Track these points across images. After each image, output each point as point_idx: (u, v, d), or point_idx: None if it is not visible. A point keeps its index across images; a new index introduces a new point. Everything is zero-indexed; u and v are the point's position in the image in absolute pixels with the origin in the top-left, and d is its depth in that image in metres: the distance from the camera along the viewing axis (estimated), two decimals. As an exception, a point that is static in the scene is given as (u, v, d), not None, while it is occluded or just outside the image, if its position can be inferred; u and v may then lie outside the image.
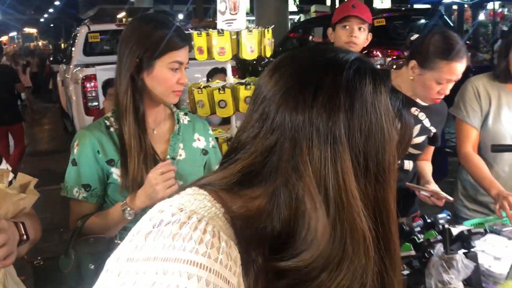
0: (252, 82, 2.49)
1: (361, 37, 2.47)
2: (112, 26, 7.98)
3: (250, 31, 2.42)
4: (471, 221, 2.14)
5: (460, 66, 1.90)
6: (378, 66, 3.22)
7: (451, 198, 2.01)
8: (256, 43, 2.45)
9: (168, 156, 1.64)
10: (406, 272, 1.61)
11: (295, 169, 0.67)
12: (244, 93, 2.43)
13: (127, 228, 1.53)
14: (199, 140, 1.74)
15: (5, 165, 1.35)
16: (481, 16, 18.03)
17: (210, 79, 3.58)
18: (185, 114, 1.78)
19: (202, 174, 1.60)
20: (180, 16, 21.10)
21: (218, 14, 2.49)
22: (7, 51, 19.65)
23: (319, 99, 0.67)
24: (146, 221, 0.65)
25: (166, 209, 0.65)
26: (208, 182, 0.73)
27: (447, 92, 1.97)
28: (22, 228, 1.15)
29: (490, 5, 17.71)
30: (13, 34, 30.99)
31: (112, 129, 1.62)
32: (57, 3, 34.16)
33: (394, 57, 6.58)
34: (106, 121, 1.65)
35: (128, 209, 1.51)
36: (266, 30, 2.51)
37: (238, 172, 0.71)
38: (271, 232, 0.67)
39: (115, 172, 1.58)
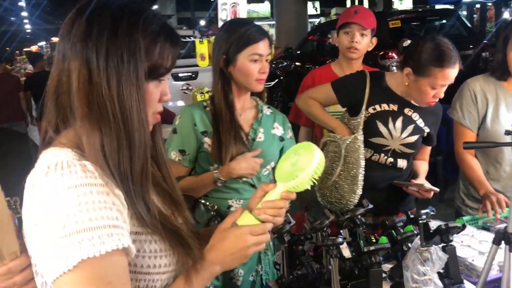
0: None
1: (362, 43, 2.56)
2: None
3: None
4: (466, 218, 2.20)
5: (453, 72, 1.96)
6: (394, 68, 3.24)
7: (437, 189, 2.09)
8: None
9: (250, 136, 1.94)
10: (386, 265, 1.69)
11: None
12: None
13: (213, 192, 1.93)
14: (277, 128, 2.02)
15: None
16: (506, 15, 17.66)
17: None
18: (268, 107, 2.06)
19: (276, 155, 1.97)
20: (202, 23, 21.34)
21: (220, 21, 2.60)
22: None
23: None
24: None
25: None
26: None
27: (442, 95, 2.03)
28: None
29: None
30: (42, 43, 31.82)
31: (208, 109, 1.94)
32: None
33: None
34: (204, 103, 1.99)
35: (219, 176, 1.83)
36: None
37: None
38: None
39: (207, 142, 1.90)
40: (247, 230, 1.05)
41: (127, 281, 0.92)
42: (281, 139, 2.02)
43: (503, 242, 1.40)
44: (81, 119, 0.93)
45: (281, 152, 2.00)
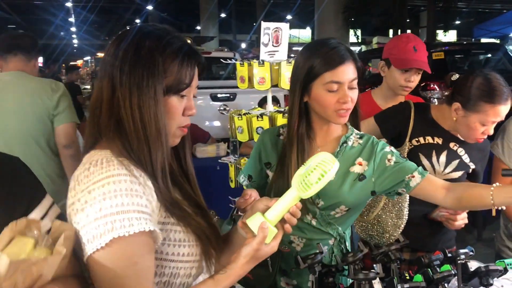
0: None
1: (416, 81, 2.46)
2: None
3: (290, 62, 2.53)
4: (508, 260, 2.09)
5: (505, 108, 1.90)
6: (435, 100, 3.18)
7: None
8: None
9: None
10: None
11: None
12: (282, 121, 2.52)
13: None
14: (360, 164, 1.68)
15: (46, 205, 1.04)
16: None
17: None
18: (361, 137, 1.74)
19: (350, 197, 1.66)
20: (243, 45, 21.65)
21: (262, 46, 2.62)
22: (81, 73, 21.04)
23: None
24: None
25: None
26: None
27: (491, 132, 1.96)
28: None
29: None
30: (87, 58, 32.93)
31: (281, 138, 1.77)
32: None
33: (452, 91, 6.44)
34: (281, 129, 1.81)
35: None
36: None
37: None
38: None
39: (270, 175, 1.76)
40: (275, 242, 1.16)
41: (151, 264, 1.04)
42: (361, 177, 1.67)
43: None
44: (105, 127, 1.09)
45: (366, 192, 1.69)
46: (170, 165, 1.14)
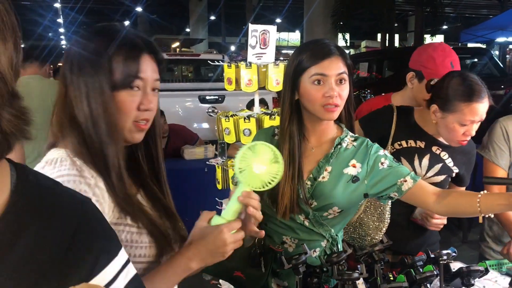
0: (277, 112, 2.59)
1: None
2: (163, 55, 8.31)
3: (277, 65, 2.54)
4: (489, 262, 2.12)
5: (481, 107, 1.89)
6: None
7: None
8: (282, 76, 2.56)
9: (311, 176, 1.69)
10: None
11: None
12: (269, 122, 2.53)
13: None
14: (353, 166, 1.69)
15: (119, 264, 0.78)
16: (539, 56, 17.45)
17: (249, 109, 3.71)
18: (355, 139, 1.74)
19: (344, 199, 1.66)
20: (232, 48, 21.66)
21: (249, 48, 2.62)
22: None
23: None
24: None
25: None
26: None
27: (473, 133, 1.96)
28: None
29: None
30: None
31: (276, 138, 1.76)
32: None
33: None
34: (276, 130, 1.79)
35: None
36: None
37: None
38: None
39: None
40: (226, 228, 1.12)
41: None
42: (355, 179, 1.68)
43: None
44: (61, 126, 1.11)
45: (359, 194, 1.70)
46: (137, 163, 1.16)
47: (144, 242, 1.12)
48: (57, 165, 1.04)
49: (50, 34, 31.18)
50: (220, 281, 2.23)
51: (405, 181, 1.63)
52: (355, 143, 1.72)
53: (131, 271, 0.77)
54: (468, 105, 1.88)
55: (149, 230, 1.12)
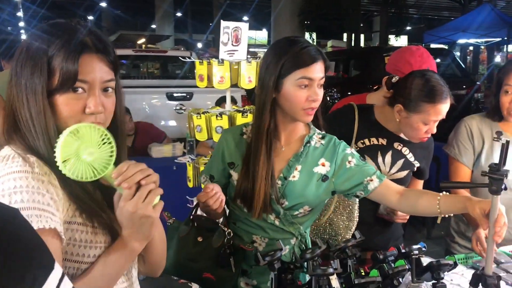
0: (250, 110, 2.59)
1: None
2: (130, 52, 8.20)
3: (249, 62, 2.53)
4: (458, 256, 2.18)
5: (445, 107, 1.95)
6: None
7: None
8: (254, 74, 2.56)
9: (281, 175, 1.69)
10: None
11: None
12: (241, 120, 2.53)
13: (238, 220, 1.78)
14: (323, 165, 1.71)
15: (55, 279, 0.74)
16: (497, 58, 18.04)
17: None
18: (323, 137, 1.77)
19: (315, 197, 1.70)
20: (199, 45, 21.52)
21: (221, 45, 2.61)
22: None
23: None
24: None
25: None
26: None
27: (434, 130, 2.01)
28: None
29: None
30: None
31: (245, 137, 1.75)
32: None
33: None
34: (244, 128, 1.79)
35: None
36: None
37: None
38: None
39: (233, 175, 1.72)
40: (122, 202, 1.06)
41: (59, 261, 0.97)
42: (324, 178, 1.71)
43: (480, 284, 1.39)
44: (7, 124, 1.09)
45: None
46: None
47: (99, 242, 1.08)
48: (9, 161, 1.01)
49: (9, 28, 30.26)
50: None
51: (371, 180, 1.68)
52: (323, 141, 1.75)
53: (67, 285, 0.72)
54: (433, 106, 1.93)
55: (105, 230, 1.09)
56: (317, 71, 1.60)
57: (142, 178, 1.05)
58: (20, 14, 28.10)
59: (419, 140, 2.06)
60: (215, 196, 1.57)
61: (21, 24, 30.55)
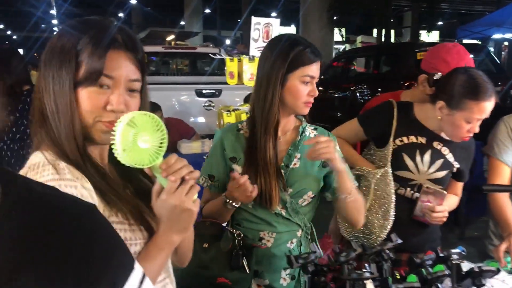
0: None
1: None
2: (159, 48, 8.26)
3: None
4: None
5: (489, 105, 1.89)
6: None
7: (442, 191, 2.04)
8: (285, 70, 2.51)
9: (283, 164, 1.78)
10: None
11: None
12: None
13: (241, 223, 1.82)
14: None
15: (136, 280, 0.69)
16: (534, 53, 17.51)
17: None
18: (315, 128, 1.89)
19: (316, 184, 1.80)
20: (227, 42, 21.57)
21: (251, 41, 2.58)
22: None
23: None
24: None
25: None
26: None
27: (477, 130, 1.95)
28: None
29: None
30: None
31: (242, 132, 1.83)
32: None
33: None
34: (239, 125, 1.87)
35: (228, 200, 1.69)
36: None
37: None
38: None
39: (237, 168, 1.77)
40: (165, 195, 1.06)
41: None
42: (325, 165, 1.81)
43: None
44: (36, 121, 1.08)
45: (327, 179, 1.83)
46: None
47: (138, 239, 1.07)
48: (40, 170, 1.01)
49: (43, 25, 30.95)
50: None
51: None
52: (316, 132, 1.87)
53: (149, 286, 0.67)
54: (477, 103, 1.87)
55: (141, 226, 1.08)
56: (317, 69, 1.75)
57: (187, 173, 1.06)
58: (53, 12, 28.72)
59: (461, 139, 2.00)
60: (244, 185, 1.61)
61: (54, 21, 31.22)
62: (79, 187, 0.99)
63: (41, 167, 1.01)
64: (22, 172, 1.03)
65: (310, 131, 1.86)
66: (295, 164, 1.79)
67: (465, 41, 12.44)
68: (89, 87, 1.05)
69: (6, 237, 0.53)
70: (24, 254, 0.54)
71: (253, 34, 2.57)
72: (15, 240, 0.54)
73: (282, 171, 1.77)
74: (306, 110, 1.77)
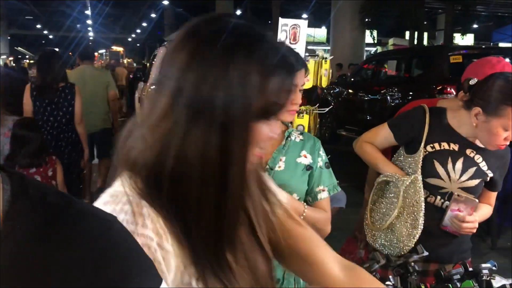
0: (306, 111, 2.50)
1: None
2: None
3: (307, 60, 2.45)
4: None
5: None
6: None
7: (473, 199, 1.97)
8: (312, 73, 2.47)
9: (267, 166, 1.80)
10: (439, 320, 1.53)
11: None
12: (297, 121, 2.45)
13: None
14: (305, 157, 1.84)
15: None
16: None
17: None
18: (301, 133, 1.92)
19: (301, 186, 1.82)
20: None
21: (278, 42, 2.54)
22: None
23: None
24: None
25: None
26: None
27: None
28: None
29: None
30: (102, 51, 33.04)
31: None
32: (144, 24, 36.24)
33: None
34: None
35: None
36: (323, 60, 2.52)
37: None
38: None
39: None
40: None
41: None
42: (309, 167, 1.84)
43: None
44: (150, 152, 0.78)
45: (310, 182, 1.84)
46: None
47: None
48: (117, 208, 0.76)
49: (78, 25, 31.65)
50: None
51: (323, 190, 1.81)
52: (301, 137, 1.88)
53: None
54: None
55: None
56: (301, 78, 1.78)
57: None
58: (88, 12, 29.34)
59: (496, 147, 1.91)
60: None
61: (89, 21, 31.90)
62: (153, 247, 0.74)
63: (120, 206, 0.76)
64: (101, 198, 0.80)
65: (296, 135, 1.89)
66: (279, 167, 1.81)
67: (501, 44, 12.12)
68: (266, 120, 0.84)
69: (6, 251, 0.49)
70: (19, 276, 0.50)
71: (280, 35, 2.53)
72: (13, 255, 0.50)
73: (267, 173, 1.77)
74: (290, 118, 1.84)
